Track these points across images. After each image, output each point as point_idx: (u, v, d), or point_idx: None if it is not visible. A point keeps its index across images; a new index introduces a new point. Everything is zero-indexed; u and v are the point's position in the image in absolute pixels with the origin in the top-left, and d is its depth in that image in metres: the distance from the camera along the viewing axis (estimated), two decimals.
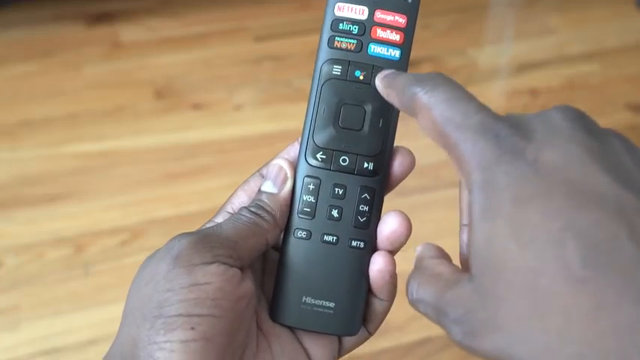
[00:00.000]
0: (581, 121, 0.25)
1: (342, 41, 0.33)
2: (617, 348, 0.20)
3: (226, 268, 0.30)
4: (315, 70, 0.33)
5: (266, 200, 0.33)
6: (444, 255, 0.30)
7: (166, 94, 1.11)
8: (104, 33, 1.25)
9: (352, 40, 0.33)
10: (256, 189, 0.34)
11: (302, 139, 0.34)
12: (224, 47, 1.22)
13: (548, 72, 1.17)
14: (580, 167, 0.23)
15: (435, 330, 0.75)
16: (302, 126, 0.34)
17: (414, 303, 0.28)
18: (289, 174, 0.33)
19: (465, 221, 0.30)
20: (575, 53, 1.21)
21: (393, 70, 0.31)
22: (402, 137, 1.14)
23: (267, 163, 0.34)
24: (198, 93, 1.11)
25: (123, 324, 0.30)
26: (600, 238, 0.21)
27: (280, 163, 0.34)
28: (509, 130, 0.24)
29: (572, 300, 0.21)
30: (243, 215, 0.32)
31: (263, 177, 0.34)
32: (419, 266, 0.30)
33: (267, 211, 0.33)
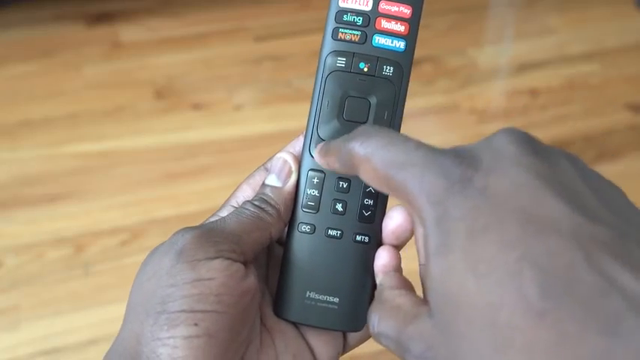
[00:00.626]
0: (528, 144, 0.25)
1: (346, 33, 0.33)
2: None
3: (230, 263, 0.29)
4: (319, 62, 0.33)
5: (270, 194, 0.33)
6: (404, 285, 0.30)
7: (166, 94, 1.11)
8: (104, 33, 1.25)
9: (356, 32, 0.33)
10: (261, 183, 0.34)
11: (306, 132, 0.33)
12: (224, 47, 1.22)
13: (548, 72, 1.17)
14: (531, 193, 0.23)
15: None
16: (303, 124, 0.34)
17: (375, 336, 0.27)
18: (294, 168, 0.33)
19: (423, 260, 0.29)
20: (575, 53, 1.21)
21: (324, 141, 0.32)
22: None
23: (271, 157, 0.34)
24: (198, 93, 1.11)
25: (126, 320, 0.30)
26: (557, 267, 0.21)
27: (285, 157, 0.33)
28: (454, 160, 0.24)
29: (532, 334, 0.20)
30: (246, 209, 0.32)
31: (268, 171, 0.34)
32: (379, 298, 0.29)
33: (271, 204, 0.32)
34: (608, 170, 0.97)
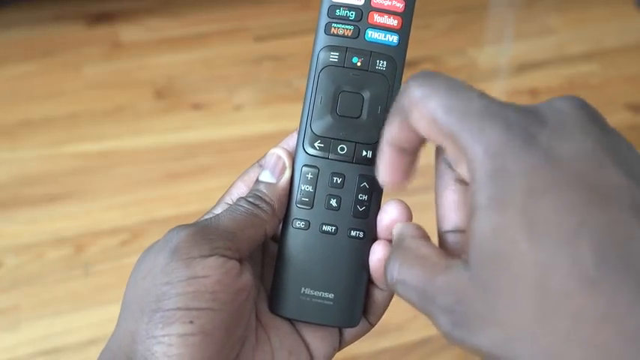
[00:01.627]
0: (591, 114, 0.25)
1: (338, 27, 0.32)
2: (625, 355, 0.19)
3: (225, 260, 0.29)
4: (312, 58, 0.33)
5: (264, 190, 0.32)
6: (427, 237, 0.29)
7: (166, 94, 1.11)
8: (104, 33, 1.25)
9: (349, 27, 0.32)
10: (255, 179, 0.34)
11: (300, 127, 0.33)
12: (224, 47, 1.22)
13: (548, 72, 1.17)
14: (595, 162, 0.22)
15: (435, 330, 0.75)
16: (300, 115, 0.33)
17: (394, 284, 0.26)
18: (287, 163, 0.33)
19: (448, 226, 0.29)
20: (575, 53, 1.21)
21: None
22: None
23: (266, 154, 0.34)
24: (198, 93, 1.11)
25: (121, 318, 0.30)
26: (616, 238, 0.21)
27: (278, 153, 0.33)
28: (519, 115, 0.23)
29: (582, 302, 0.20)
30: (241, 206, 0.32)
31: (262, 167, 0.34)
32: (400, 245, 0.28)
33: (265, 201, 0.32)
34: None
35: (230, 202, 0.33)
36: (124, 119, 1.06)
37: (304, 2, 1.34)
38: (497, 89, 1.14)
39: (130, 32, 1.25)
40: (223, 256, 0.29)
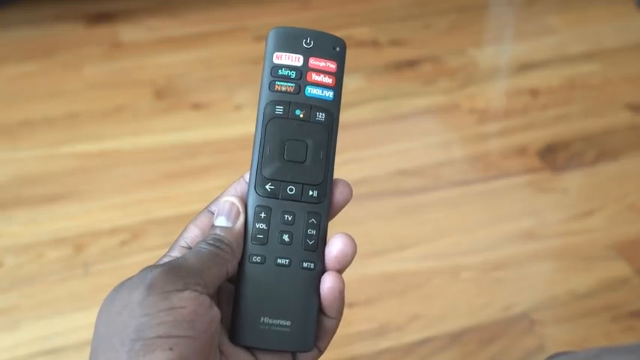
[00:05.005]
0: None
1: (281, 85, 0.37)
2: None
3: (197, 294, 0.32)
4: (258, 111, 0.37)
5: (221, 233, 0.35)
6: None
7: (166, 94, 1.11)
8: (104, 33, 1.25)
9: (291, 84, 0.37)
10: (208, 224, 0.36)
11: (251, 172, 0.37)
12: (224, 47, 1.22)
13: (548, 72, 1.17)
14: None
15: (435, 330, 0.75)
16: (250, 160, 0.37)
17: None
18: (241, 209, 0.36)
19: None
20: (575, 53, 1.21)
21: None
22: (404, 137, 1.14)
23: (214, 200, 0.37)
24: (198, 93, 1.11)
25: (98, 351, 0.31)
26: None
27: (232, 200, 0.36)
28: None
29: None
30: (203, 248, 0.34)
31: (213, 213, 0.37)
32: None
33: (225, 242, 0.35)
34: (608, 170, 0.97)
35: (185, 245, 0.36)
36: (124, 119, 1.06)
37: (304, 2, 1.34)
38: (497, 89, 1.14)
39: (129, 32, 1.25)
40: (195, 290, 0.32)
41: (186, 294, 0.31)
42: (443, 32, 1.26)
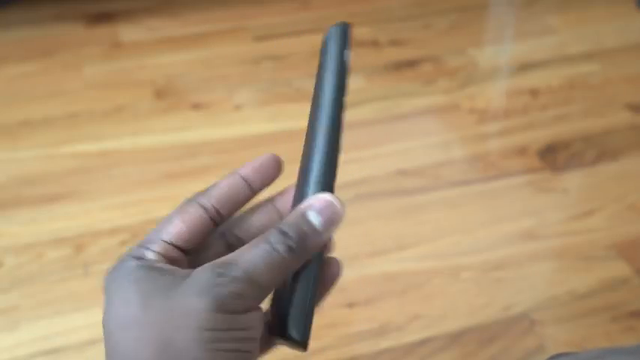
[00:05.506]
0: None
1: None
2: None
3: (261, 312, 0.31)
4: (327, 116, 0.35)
5: (309, 239, 0.32)
6: None
7: (166, 94, 1.11)
8: (104, 33, 1.25)
9: None
10: (198, 223, 0.33)
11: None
12: (224, 47, 1.22)
13: (548, 72, 1.17)
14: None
15: (435, 330, 0.75)
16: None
17: None
18: (341, 213, 0.33)
19: None
20: (575, 53, 1.21)
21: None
22: (404, 137, 1.14)
23: (205, 192, 0.34)
24: (198, 93, 1.11)
25: (135, 339, 0.29)
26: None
27: (331, 200, 0.33)
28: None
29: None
30: (276, 253, 0.31)
31: (204, 208, 0.33)
32: None
33: (306, 250, 0.32)
34: (608, 170, 0.97)
35: (169, 241, 0.32)
36: (124, 119, 1.06)
37: (304, 2, 1.34)
38: (497, 89, 1.14)
39: (129, 32, 1.25)
40: (259, 308, 0.31)
41: (254, 314, 0.30)
42: (443, 32, 1.26)
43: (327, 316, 0.75)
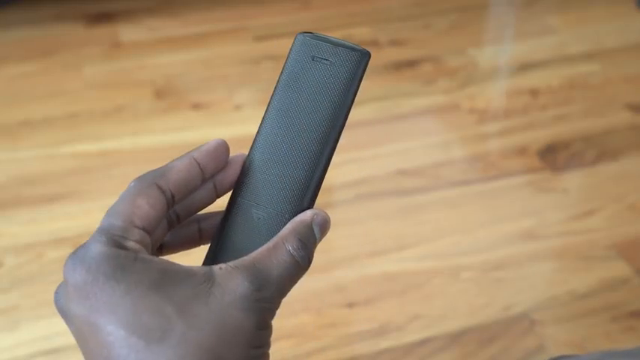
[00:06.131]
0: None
1: None
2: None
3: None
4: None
5: (313, 248, 0.33)
6: None
7: (166, 94, 1.11)
8: (104, 33, 1.25)
9: None
10: (160, 206, 0.32)
11: None
12: (224, 47, 1.22)
13: (548, 72, 1.17)
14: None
15: (435, 330, 0.75)
16: None
17: None
18: (328, 225, 0.34)
19: None
20: (575, 53, 1.21)
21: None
22: (404, 137, 1.14)
23: (161, 171, 0.33)
24: (198, 93, 1.11)
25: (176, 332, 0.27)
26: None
27: (325, 216, 0.34)
28: None
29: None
30: (294, 266, 0.32)
31: (162, 190, 0.32)
32: None
33: (310, 259, 0.33)
34: (608, 170, 0.97)
35: (140, 226, 0.31)
36: (124, 119, 1.06)
37: (304, 2, 1.34)
38: (497, 89, 1.14)
39: (129, 32, 1.25)
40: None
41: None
42: (443, 32, 1.26)
43: (327, 316, 0.75)
